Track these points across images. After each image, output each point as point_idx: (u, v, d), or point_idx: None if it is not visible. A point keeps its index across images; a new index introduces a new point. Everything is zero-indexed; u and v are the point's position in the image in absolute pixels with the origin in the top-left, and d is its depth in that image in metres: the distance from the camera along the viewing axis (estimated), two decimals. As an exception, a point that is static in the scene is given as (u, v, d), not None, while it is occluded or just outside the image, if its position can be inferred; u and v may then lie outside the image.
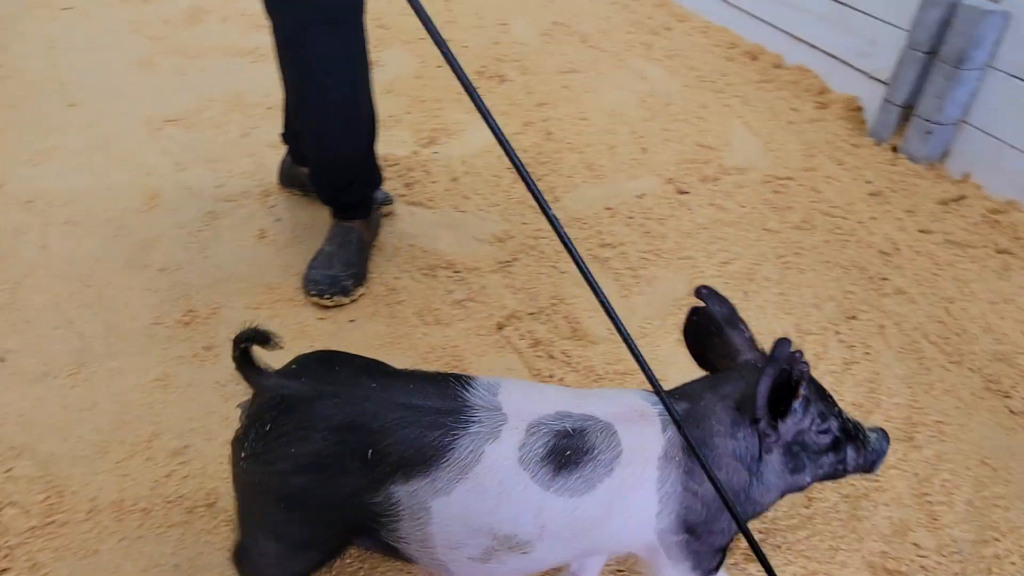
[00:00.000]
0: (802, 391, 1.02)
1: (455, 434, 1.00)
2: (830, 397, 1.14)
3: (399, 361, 1.83)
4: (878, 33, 3.03)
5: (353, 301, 2.02)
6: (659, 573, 1.13)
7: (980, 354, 1.98)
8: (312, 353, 1.14)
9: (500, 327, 2.00)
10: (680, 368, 1.84)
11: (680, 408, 1.08)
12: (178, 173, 2.54)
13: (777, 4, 3.61)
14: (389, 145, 2.77)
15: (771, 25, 3.68)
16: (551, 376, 1.84)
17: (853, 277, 2.24)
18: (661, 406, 1.06)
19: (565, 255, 2.30)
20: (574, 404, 1.07)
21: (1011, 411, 1.82)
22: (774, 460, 1.10)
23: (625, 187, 2.65)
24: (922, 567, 1.46)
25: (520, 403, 1.05)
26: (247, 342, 1.05)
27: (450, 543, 1.03)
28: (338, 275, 2.00)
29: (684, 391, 1.14)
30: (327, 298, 1.98)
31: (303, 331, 1.93)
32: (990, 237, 2.44)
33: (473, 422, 1.01)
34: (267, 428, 1.00)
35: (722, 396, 1.10)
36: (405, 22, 3.92)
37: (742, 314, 1.20)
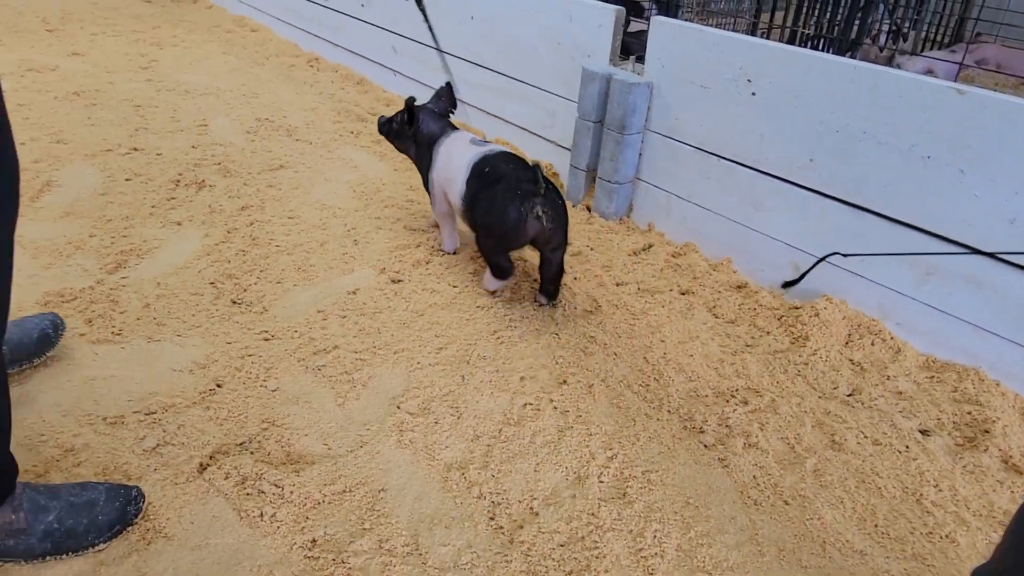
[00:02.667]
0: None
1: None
2: None
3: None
4: (555, 106, 3.29)
5: None
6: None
7: (675, 395, 2.14)
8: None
9: (203, 468, 1.81)
10: (402, 472, 1.78)
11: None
12: None
13: (470, 86, 3.81)
14: (67, 277, 2.46)
15: (465, 102, 3.87)
16: (261, 515, 1.68)
17: (562, 342, 2.35)
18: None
19: (276, 371, 2.20)
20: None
21: (705, 446, 1.98)
22: None
23: (338, 284, 2.58)
24: (644, 627, 1.50)
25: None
26: None
27: None
28: None
29: (445, 126, 2.71)
30: None
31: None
32: (673, 280, 2.69)
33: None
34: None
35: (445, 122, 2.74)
36: (88, 134, 3.59)
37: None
